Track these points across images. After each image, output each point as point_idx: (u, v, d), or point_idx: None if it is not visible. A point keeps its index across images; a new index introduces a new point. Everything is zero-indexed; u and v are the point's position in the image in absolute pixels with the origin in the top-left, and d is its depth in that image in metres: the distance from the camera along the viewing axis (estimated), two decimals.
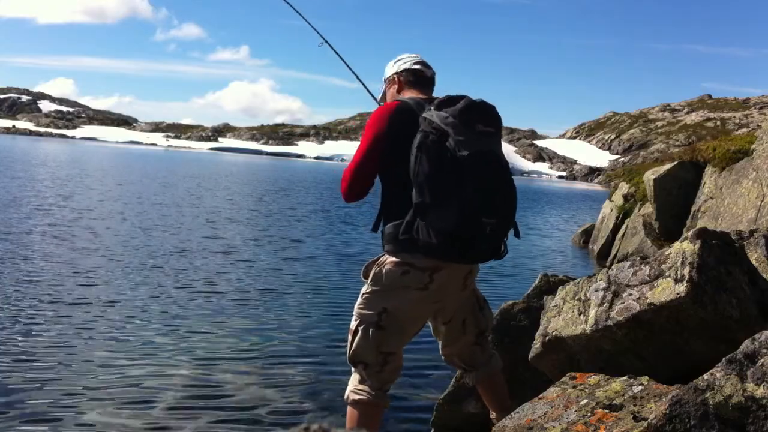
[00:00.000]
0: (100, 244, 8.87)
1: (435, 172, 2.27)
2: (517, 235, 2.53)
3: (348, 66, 3.46)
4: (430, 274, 2.41)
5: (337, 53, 3.48)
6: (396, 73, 2.69)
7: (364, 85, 3.29)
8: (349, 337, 2.56)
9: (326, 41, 3.52)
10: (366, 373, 2.51)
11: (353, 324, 2.55)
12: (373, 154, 2.47)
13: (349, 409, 2.55)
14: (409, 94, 2.59)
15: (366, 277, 2.54)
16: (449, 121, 2.30)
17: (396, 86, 2.68)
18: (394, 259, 2.43)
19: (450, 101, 2.38)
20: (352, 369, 2.58)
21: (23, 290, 6.02)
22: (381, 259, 2.50)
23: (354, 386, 2.55)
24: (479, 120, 2.36)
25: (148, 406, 3.71)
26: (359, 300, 2.56)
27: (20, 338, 4.70)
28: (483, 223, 2.30)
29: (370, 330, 2.48)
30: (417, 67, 2.67)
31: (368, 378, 2.51)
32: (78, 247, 8.45)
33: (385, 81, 2.76)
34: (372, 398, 2.50)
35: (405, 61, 2.71)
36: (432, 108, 2.39)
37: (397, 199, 2.43)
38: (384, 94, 2.78)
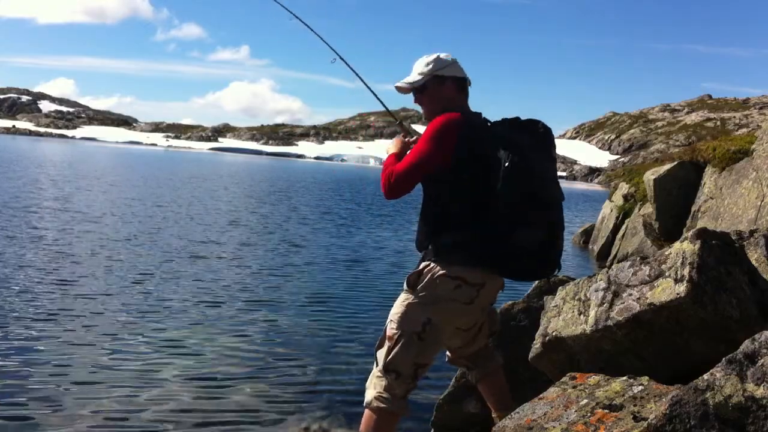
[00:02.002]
0: (102, 244, 8.87)
1: (519, 193, 2.34)
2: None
3: (363, 81, 3.30)
4: (478, 290, 2.45)
5: (352, 69, 3.36)
6: (450, 77, 2.59)
7: (384, 104, 3.22)
8: (387, 344, 2.50)
9: (340, 56, 3.42)
10: (396, 383, 2.47)
11: (392, 331, 2.49)
12: (431, 162, 2.46)
13: (368, 413, 2.49)
14: (458, 102, 2.58)
15: (410, 287, 2.51)
16: (532, 145, 2.41)
17: (446, 90, 2.59)
18: (444, 271, 2.43)
19: (525, 125, 2.50)
20: (378, 373, 2.51)
21: (25, 293, 6.02)
22: (429, 268, 2.48)
23: (379, 392, 2.48)
24: (551, 146, 2.53)
25: (148, 406, 3.71)
26: (401, 308, 2.51)
27: (18, 342, 4.70)
28: (552, 242, 2.45)
29: (413, 340, 2.45)
30: (458, 72, 2.62)
31: (397, 387, 2.47)
32: (79, 247, 8.45)
33: (428, 74, 2.59)
34: (396, 407, 2.47)
35: (441, 61, 2.60)
36: (507, 128, 2.48)
37: (452, 213, 2.48)
38: (424, 88, 2.62)
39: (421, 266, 2.51)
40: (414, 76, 2.62)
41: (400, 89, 2.68)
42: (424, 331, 2.44)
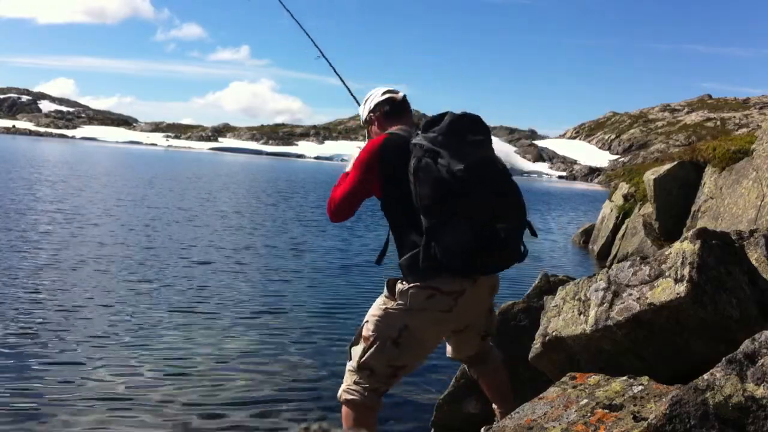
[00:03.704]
0: (102, 244, 8.87)
1: (437, 191, 2.31)
2: (533, 233, 2.55)
3: (342, 80, 3.44)
4: (455, 298, 2.42)
5: (333, 67, 3.50)
6: (371, 111, 2.75)
7: (356, 99, 3.32)
8: (362, 343, 2.53)
9: (323, 54, 3.58)
10: (370, 379, 2.49)
11: (368, 332, 2.51)
12: (363, 185, 2.55)
13: (344, 408, 2.54)
14: (392, 127, 2.63)
15: (390, 292, 2.53)
16: (439, 139, 2.36)
17: (376, 123, 2.74)
18: (417, 283, 2.43)
19: (434, 121, 2.44)
20: (351, 368, 2.54)
21: (28, 290, 6.02)
22: (404, 280, 2.49)
23: (347, 385, 2.53)
24: (468, 130, 2.41)
25: (148, 406, 3.72)
26: (378, 311, 2.53)
27: (21, 338, 4.70)
28: (497, 229, 2.33)
29: (387, 344, 2.46)
30: (385, 96, 2.74)
31: (368, 383, 2.49)
32: (79, 249, 8.45)
33: (364, 124, 2.82)
34: (365, 400, 2.49)
35: (372, 97, 2.77)
36: (418, 132, 2.46)
37: (406, 229, 2.48)
38: (369, 135, 2.79)
39: (400, 277, 2.53)
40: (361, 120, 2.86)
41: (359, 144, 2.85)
42: (400, 336, 2.45)
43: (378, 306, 2.56)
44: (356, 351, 2.54)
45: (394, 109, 2.73)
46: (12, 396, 3.72)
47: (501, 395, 2.82)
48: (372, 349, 2.48)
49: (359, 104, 2.99)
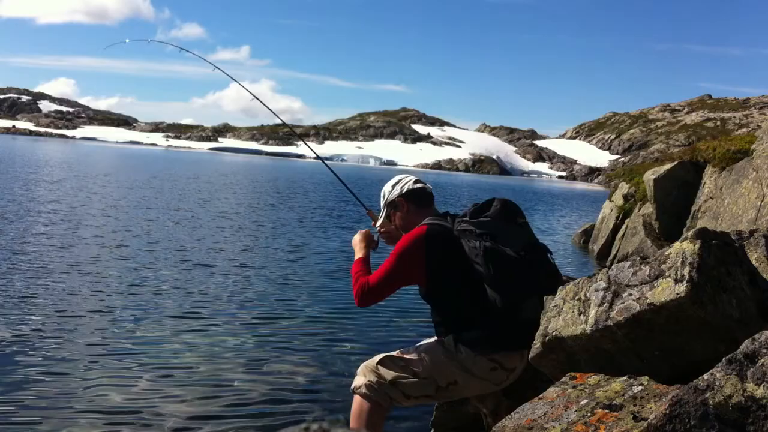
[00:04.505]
0: (104, 245, 8.87)
1: (508, 270, 2.49)
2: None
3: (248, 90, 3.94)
4: (509, 374, 2.60)
5: (251, 92, 4.04)
6: (401, 195, 2.86)
7: (287, 124, 3.57)
8: (405, 366, 2.61)
9: (219, 68, 4.17)
10: (395, 395, 2.61)
11: (419, 368, 2.61)
12: (405, 274, 2.64)
13: (358, 401, 2.61)
14: (420, 214, 2.79)
15: (450, 347, 2.61)
16: (493, 223, 2.58)
17: (405, 207, 2.86)
18: (483, 355, 2.56)
19: (482, 208, 2.66)
20: (375, 368, 2.63)
21: (35, 294, 6.02)
22: (468, 347, 2.59)
23: (369, 381, 2.60)
24: (516, 214, 2.67)
25: (148, 406, 3.72)
26: (436, 358, 2.61)
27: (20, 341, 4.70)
28: (542, 301, 2.52)
29: (431, 386, 2.60)
30: (419, 186, 2.88)
31: (393, 396, 2.60)
32: (79, 249, 8.45)
33: (386, 204, 2.91)
34: (382, 401, 2.60)
35: (404, 182, 2.89)
36: (466, 218, 2.64)
37: (460, 308, 2.61)
38: (388, 214, 2.92)
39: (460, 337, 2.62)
40: (381, 213, 2.97)
41: (379, 226, 2.99)
42: (447, 387, 2.60)
43: (435, 349, 2.65)
44: (393, 369, 2.63)
45: (425, 198, 2.88)
46: (3, 404, 3.72)
47: (492, 398, 2.90)
48: (414, 381, 2.60)
49: (287, 124, 3.16)
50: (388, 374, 2.62)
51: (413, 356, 2.66)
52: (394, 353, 2.72)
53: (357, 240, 2.92)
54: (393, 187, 2.90)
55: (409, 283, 2.70)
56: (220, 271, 7.75)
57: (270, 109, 3.78)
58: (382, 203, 2.95)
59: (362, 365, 2.70)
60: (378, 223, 2.97)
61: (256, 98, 4.11)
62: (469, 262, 2.56)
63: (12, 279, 6.38)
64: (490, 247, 2.52)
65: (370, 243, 2.94)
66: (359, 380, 2.63)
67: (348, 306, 6.49)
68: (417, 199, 2.86)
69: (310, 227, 12.88)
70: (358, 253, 2.86)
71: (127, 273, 7.15)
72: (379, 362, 2.66)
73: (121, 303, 5.87)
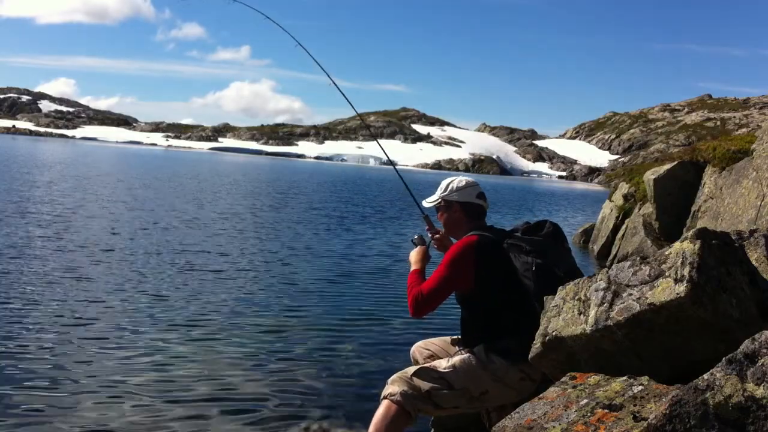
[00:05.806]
0: (104, 245, 8.87)
1: (549, 288, 2.57)
2: None
3: (322, 67, 3.94)
4: (537, 386, 2.68)
5: (312, 56, 4.00)
6: (458, 201, 2.98)
7: (338, 88, 3.52)
8: (444, 383, 2.69)
9: (300, 44, 4.09)
10: (425, 406, 2.68)
11: (453, 380, 2.69)
12: (456, 281, 2.78)
13: (387, 404, 2.65)
14: (467, 224, 2.95)
15: (481, 358, 2.73)
16: (544, 243, 2.75)
17: (456, 214, 3.00)
18: (513, 366, 2.69)
19: (534, 228, 2.84)
20: (410, 380, 2.69)
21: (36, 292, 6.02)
22: (500, 358, 2.72)
23: (403, 390, 2.65)
24: (564, 239, 2.86)
25: (148, 405, 3.72)
26: (470, 369, 2.72)
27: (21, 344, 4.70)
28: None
29: (464, 397, 2.70)
30: (480, 202, 3.01)
31: (423, 406, 2.68)
32: (79, 250, 8.45)
33: (442, 197, 3.01)
34: (411, 410, 2.66)
35: (468, 192, 3.00)
36: (518, 233, 2.81)
37: (499, 316, 2.76)
38: (439, 208, 3.04)
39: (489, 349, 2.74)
40: (435, 196, 3.06)
41: (427, 204, 3.11)
42: (479, 398, 2.72)
43: (469, 362, 2.75)
44: (426, 375, 2.71)
45: (478, 214, 3.01)
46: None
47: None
48: (448, 392, 2.69)
49: (339, 88, 3.15)
50: (424, 385, 2.69)
51: (446, 368, 2.75)
52: (427, 365, 2.81)
53: (415, 256, 3.03)
54: (457, 189, 3.00)
55: (458, 289, 2.83)
56: (221, 272, 7.75)
57: (347, 99, 3.84)
58: (438, 193, 3.03)
59: (395, 375, 2.76)
60: (431, 203, 3.06)
61: (333, 83, 4.19)
62: (517, 274, 2.71)
63: (11, 280, 6.38)
64: (542, 264, 2.67)
65: (426, 258, 3.04)
66: (393, 388, 2.68)
67: (348, 308, 6.49)
68: (470, 211, 2.99)
69: (310, 228, 12.88)
70: (414, 266, 2.97)
71: (128, 273, 7.15)
72: (414, 374, 2.73)
73: (121, 303, 5.87)
